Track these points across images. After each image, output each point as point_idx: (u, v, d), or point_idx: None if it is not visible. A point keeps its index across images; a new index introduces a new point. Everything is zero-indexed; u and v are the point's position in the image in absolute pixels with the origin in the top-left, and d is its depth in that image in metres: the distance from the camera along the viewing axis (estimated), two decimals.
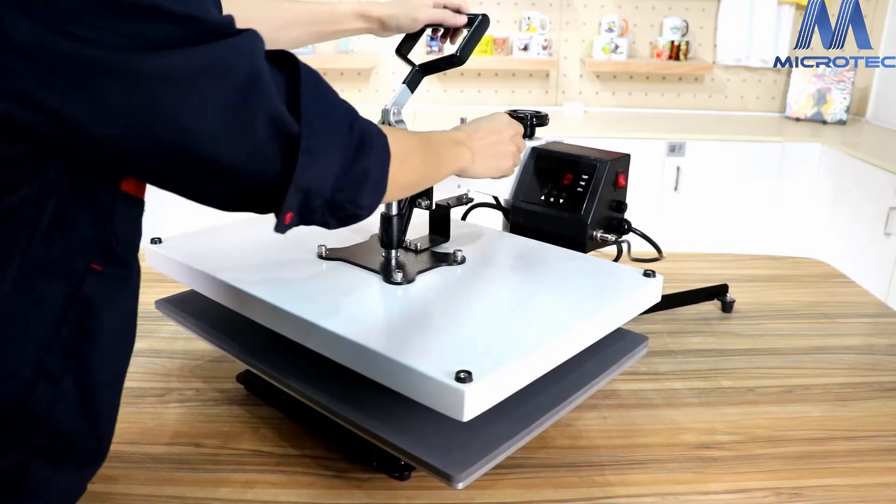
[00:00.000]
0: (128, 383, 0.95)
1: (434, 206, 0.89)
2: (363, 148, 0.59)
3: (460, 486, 0.65)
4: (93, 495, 0.73)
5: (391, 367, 0.64)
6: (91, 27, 0.44)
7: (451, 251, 0.88)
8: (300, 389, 0.77)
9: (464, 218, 1.11)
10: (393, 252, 0.86)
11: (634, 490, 0.76)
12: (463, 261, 0.88)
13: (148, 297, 0.95)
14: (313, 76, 0.56)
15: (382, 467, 0.77)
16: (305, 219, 0.59)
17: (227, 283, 0.79)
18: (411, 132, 0.76)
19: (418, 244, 0.91)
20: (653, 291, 0.84)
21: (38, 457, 0.53)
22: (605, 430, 0.87)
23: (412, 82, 0.91)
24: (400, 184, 0.67)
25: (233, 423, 0.87)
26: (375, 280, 0.83)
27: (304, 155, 0.53)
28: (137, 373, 0.97)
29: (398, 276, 0.81)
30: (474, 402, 0.60)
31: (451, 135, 0.81)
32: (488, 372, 0.61)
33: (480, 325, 0.73)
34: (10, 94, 0.44)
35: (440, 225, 0.96)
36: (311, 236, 0.97)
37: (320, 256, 0.88)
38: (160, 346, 1.04)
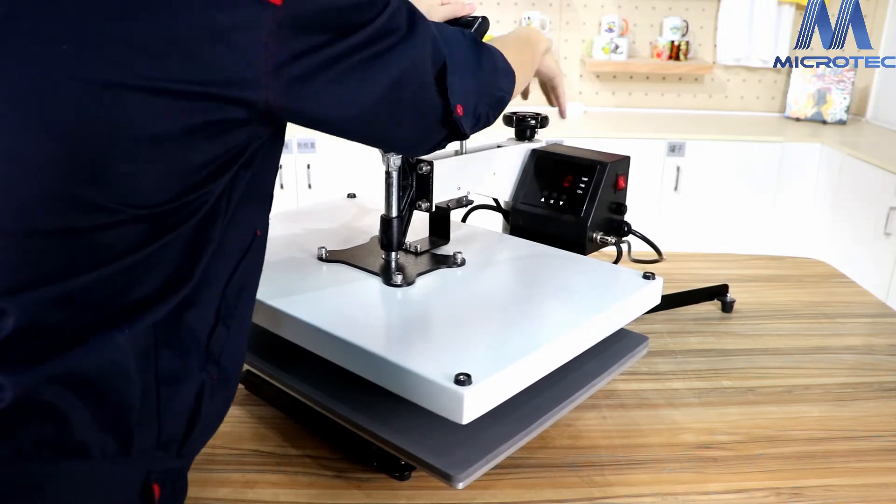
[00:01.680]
0: None
1: (434, 209, 0.89)
2: (479, 46, 0.72)
3: (460, 485, 0.65)
4: None
5: (390, 369, 0.64)
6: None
7: (451, 253, 0.88)
8: (300, 389, 0.78)
9: (464, 220, 1.11)
10: (393, 254, 0.86)
11: (634, 490, 0.76)
12: (463, 263, 0.88)
13: None
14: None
15: (382, 467, 0.77)
16: (472, 111, 0.69)
17: None
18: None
19: (418, 246, 0.91)
20: (653, 293, 0.84)
21: (210, 388, 0.59)
22: (606, 430, 0.87)
23: None
24: (518, 67, 0.79)
25: (233, 423, 0.87)
26: (375, 282, 0.83)
27: (449, 60, 0.65)
28: None
29: (398, 279, 0.81)
30: (473, 405, 0.60)
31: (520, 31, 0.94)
32: (487, 375, 0.61)
33: (480, 328, 0.73)
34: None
35: (440, 227, 0.97)
36: (312, 238, 0.97)
37: (320, 258, 0.88)
38: None
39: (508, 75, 0.75)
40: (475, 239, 0.99)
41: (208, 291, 0.58)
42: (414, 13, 0.62)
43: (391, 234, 0.85)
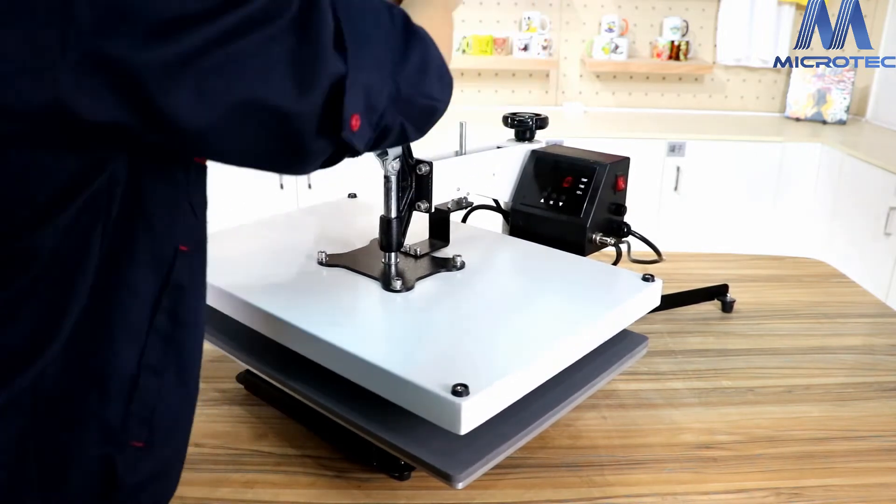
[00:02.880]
0: None
1: (433, 210, 0.89)
2: (410, 31, 0.55)
3: (460, 486, 0.65)
4: None
5: (388, 379, 0.64)
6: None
7: (451, 256, 0.89)
8: (300, 389, 0.78)
9: (464, 220, 1.11)
10: (392, 257, 0.86)
11: (634, 490, 0.76)
12: (462, 266, 0.88)
13: None
14: None
15: (382, 467, 0.77)
16: (376, 123, 0.53)
17: (227, 291, 0.80)
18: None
19: (418, 249, 0.91)
20: (652, 296, 0.85)
21: (140, 452, 0.51)
22: (605, 430, 0.87)
23: None
24: (447, 47, 0.62)
25: (233, 422, 0.87)
26: (375, 287, 0.83)
27: (352, 47, 0.49)
28: None
29: (397, 284, 0.81)
30: (471, 415, 0.60)
31: None
32: (485, 385, 0.61)
33: (478, 335, 0.73)
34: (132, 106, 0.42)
35: (440, 229, 0.97)
36: (312, 241, 0.97)
37: (320, 263, 0.89)
38: None
39: (443, 77, 0.58)
40: (475, 240, 0.99)
41: (115, 343, 0.48)
42: None
43: (391, 234, 0.85)
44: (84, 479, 0.49)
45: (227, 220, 0.93)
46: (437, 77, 0.57)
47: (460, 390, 0.59)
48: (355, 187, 1.21)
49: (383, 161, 0.82)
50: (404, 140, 0.58)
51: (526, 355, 0.67)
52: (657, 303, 0.86)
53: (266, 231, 1.01)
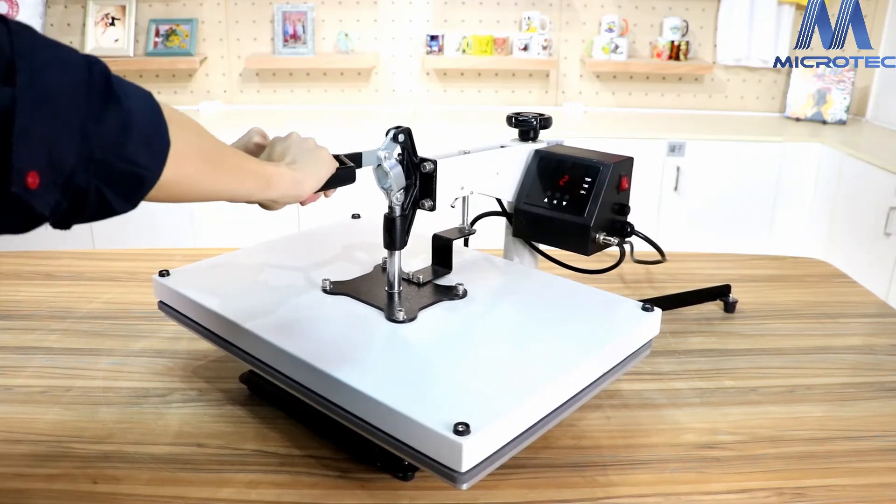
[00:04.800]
0: (130, 383, 0.96)
1: (436, 208, 0.89)
2: (112, 91, 0.49)
3: (464, 486, 0.65)
4: (96, 495, 0.73)
5: (389, 414, 0.65)
6: None
7: (454, 284, 0.90)
8: (303, 389, 0.78)
9: (472, 225, 1.11)
10: (395, 286, 0.87)
11: (637, 490, 0.76)
12: (464, 294, 0.89)
13: (151, 297, 0.95)
14: (26, 26, 0.46)
15: (386, 467, 0.77)
16: (63, 185, 0.46)
17: (230, 318, 0.81)
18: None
19: (420, 276, 0.92)
20: (651, 325, 0.86)
21: None
22: (609, 431, 0.87)
23: None
24: (190, 155, 0.56)
25: (236, 423, 0.87)
26: (378, 317, 0.83)
27: (26, 88, 0.43)
28: (140, 373, 0.97)
29: (400, 315, 0.82)
30: (472, 454, 0.61)
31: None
32: (486, 423, 0.61)
33: (479, 369, 0.74)
34: None
35: (442, 256, 0.97)
36: (316, 267, 0.98)
37: (324, 290, 0.89)
38: (162, 346, 1.04)
39: (151, 145, 0.52)
40: (476, 266, 1.00)
41: None
42: None
43: (394, 233, 0.85)
44: None
45: (230, 240, 0.94)
46: (144, 143, 0.51)
47: (462, 430, 0.60)
48: (353, 204, 1.21)
49: (388, 193, 0.83)
50: (110, 211, 0.51)
51: (526, 391, 0.68)
52: (657, 332, 0.87)
53: (269, 255, 1.02)
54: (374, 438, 0.69)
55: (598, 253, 0.99)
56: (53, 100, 0.44)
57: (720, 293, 1.23)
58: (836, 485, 0.78)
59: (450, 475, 0.65)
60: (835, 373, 1.02)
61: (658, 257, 1.04)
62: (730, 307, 1.21)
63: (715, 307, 1.22)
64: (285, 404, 0.88)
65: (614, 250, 1.01)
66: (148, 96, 0.52)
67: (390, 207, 0.84)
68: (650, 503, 0.75)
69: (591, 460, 0.81)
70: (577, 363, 0.75)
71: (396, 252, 0.86)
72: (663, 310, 0.92)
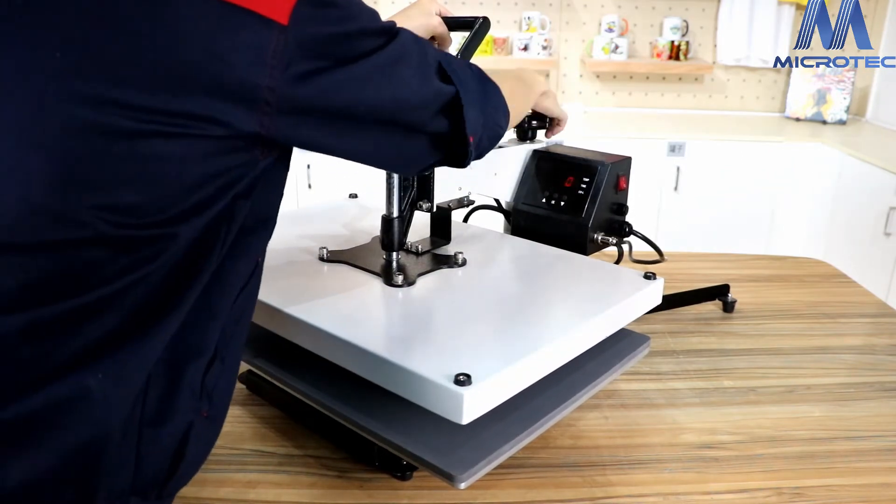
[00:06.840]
0: None
1: (435, 209, 0.89)
2: (489, 83, 0.72)
3: (462, 486, 0.65)
4: None
5: (390, 369, 0.64)
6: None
7: (452, 253, 0.89)
8: (302, 389, 0.78)
9: (465, 220, 1.11)
10: (394, 254, 0.86)
11: (636, 490, 0.76)
12: (464, 263, 0.88)
13: None
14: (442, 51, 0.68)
15: (384, 467, 0.77)
16: (476, 141, 0.69)
17: None
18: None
19: (419, 246, 0.91)
20: (653, 294, 0.85)
21: (199, 426, 0.57)
22: (607, 430, 0.87)
23: None
24: (510, 104, 0.77)
25: (235, 423, 0.87)
26: (376, 282, 0.83)
27: (463, 92, 0.65)
28: None
29: (399, 279, 0.81)
30: (473, 405, 0.60)
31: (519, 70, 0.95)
32: (487, 375, 0.61)
33: (480, 328, 0.74)
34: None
35: (441, 227, 0.97)
36: (313, 239, 0.97)
37: (321, 259, 0.88)
38: None
39: (506, 114, 0.75)
40: (476, 239, 0.99)
41: (212, 326, 0.56)
42: (419, 41, 0.62)
43: (392, 234, 0.85)
44: (170, 442, 0.55)
45: None
46: (504, 113, 0.75)
47: (462, 380, 0.59)
48: (355, 187, 1.21)
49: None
50: (480, 157, 0.73)
51: (528, 347, 0.67)
52: (659, 300, 0.86)
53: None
54: (373, 436, 0.70)
55: (596, 253, 0.99)
56: (473, 92, 0.67)
57: (719, 293, 1.23)
58: (835, 485, 0.78)
59: (447, 474, 0.65)
60: (834, 373, 1.02)
61: (656, 257, 1.04)
62: (729, 307, 1.21)
63: (714, 307, 1.22)
64: (284, 404, 0.88)
65: (613, 250, 1.01)
66: (494, 83, 0.73)
67: (388, 175, 0.84)
68: (649, 503, 0.75)
69: (589, 460, 0.81)
70: (579, 324, 0.74)
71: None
72: (662, 310, 0.92)
